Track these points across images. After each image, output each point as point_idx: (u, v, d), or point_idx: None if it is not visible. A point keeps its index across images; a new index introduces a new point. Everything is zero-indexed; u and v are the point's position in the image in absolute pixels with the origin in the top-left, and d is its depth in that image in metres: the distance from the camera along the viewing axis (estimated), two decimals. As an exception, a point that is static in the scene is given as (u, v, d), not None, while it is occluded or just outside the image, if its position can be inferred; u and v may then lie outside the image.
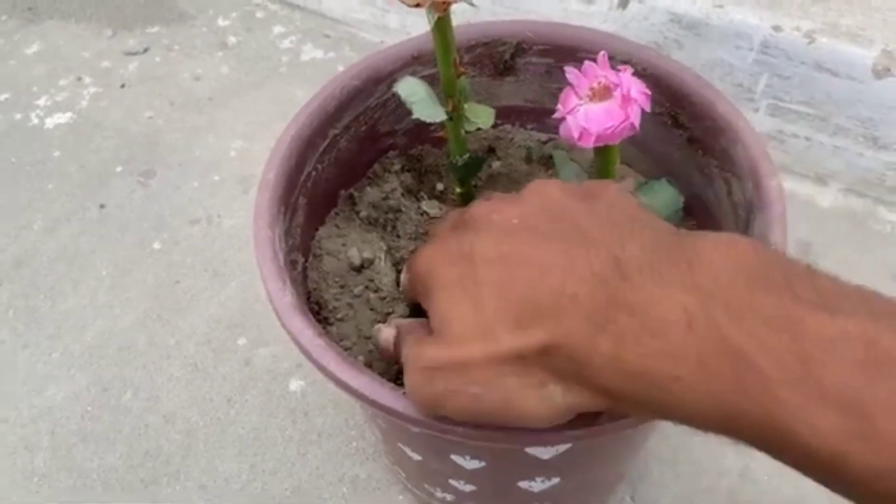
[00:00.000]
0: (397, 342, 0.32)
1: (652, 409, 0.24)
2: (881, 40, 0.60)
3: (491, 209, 0.30)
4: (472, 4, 0.34)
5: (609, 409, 0.27)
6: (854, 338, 0.20)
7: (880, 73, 0.60)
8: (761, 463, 0.55)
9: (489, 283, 0.27)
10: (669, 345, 0.23)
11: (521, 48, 0.46)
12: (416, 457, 0.41)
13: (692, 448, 0.56)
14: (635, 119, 0.32)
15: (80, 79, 0.85)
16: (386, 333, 0.33)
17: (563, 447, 0.35)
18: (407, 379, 0.29)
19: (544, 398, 0.26)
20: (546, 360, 0.25)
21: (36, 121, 0.81)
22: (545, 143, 0.49)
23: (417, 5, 0.33)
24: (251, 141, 0.78)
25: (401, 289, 0.39)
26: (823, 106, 0.64)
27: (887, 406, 0.19)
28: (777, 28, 0.62)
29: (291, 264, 0.39)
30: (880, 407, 0.19)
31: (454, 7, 0.34)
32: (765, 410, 0.21)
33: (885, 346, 0.20)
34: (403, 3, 0.33)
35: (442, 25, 0.35)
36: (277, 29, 0.89)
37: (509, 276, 0.27)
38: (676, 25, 0.66)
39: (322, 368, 0.32)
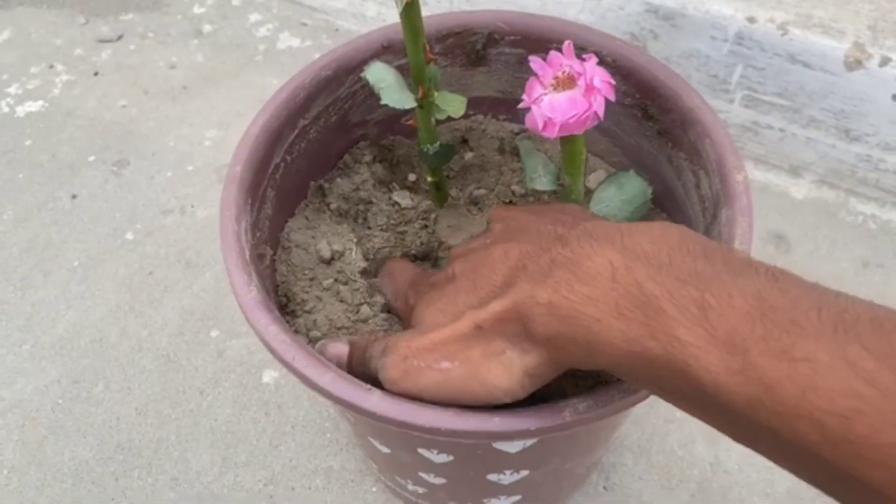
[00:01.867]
0: (356, 356, 0.34)
1: (581, 354, 0.27)
2: (853, 32, 0.60)
3: (467, 245, 0.36)
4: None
5: (553, 363, 0.29)
6: (748, 294, 0.24)
7: (852, 65, 0.60)
8: (732, 453, 0.56)
9: (462, 282, 0.33)
10: (595, 291, 0.26)
11: (492, 38, 0.45)
12: (385, 450, 0.41)
13: (665, 437, 0.57)
14: (599, 108, 0.32)
15: (52, 66, 0.84)
16: (337, 350, 0.35)
17: (529, 441, 0.35)
18: (385, 369, 0.32)
19: (504, 364, 0.29)
20: (502, 327, 0.29)
21: (6, 109, 0.80)
22: (517, 133, 0.49)
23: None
24: (226, 130, 0.77)
25: (389, 298, 0.41)
26: (797, 97, 0.64)
27: (762, 346, 0.22)
28: (751, 19, 0.62)
29: (259, 258, 0.38)
30: (756, 347, 0.22)
31: None
32: (666, 350, 0.24)
33: (772, 301, 0.23)
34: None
35: (410, 11, 0.35)
36: (254, 17, 0.88)
37: (477, 271, 0.32)
38: (653, 16, 0.66)
39: (286, 364, 0.32)
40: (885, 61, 0.60)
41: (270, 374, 0.61)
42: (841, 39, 0.60)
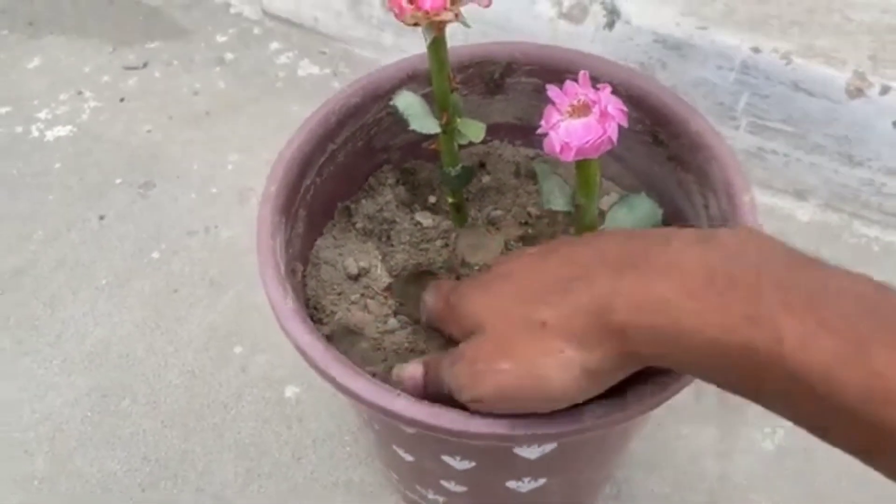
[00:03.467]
0: (431, 374, 0.34)
1: (658, 349, 0.27)
2: (854, 62, 0.63)
3: (512, 254, 0.38)
4: (466, 25, 0.36)
5: (620, 361, 0.29)
6: (850, 289, 0.24)
7: (853, 93, 0.62)
8: (740, 467, 0.57)
9: (522, 280, 0.32)
10: (689, 283, 0.26)
11: (510, 68, 0.48)
12: (409, 458, 0.43)
13: (674, 452, 0.58)
14: (613, 133, 0.35)
15: (80, 93, 0.87)
16: (412, 371, 0.35)
17: (548, 447, 0.37)
18: (455, 378, 0.32)
19: (561, 362, 0.29)
20: (568, 323, 0.29)
21: (37, 133, 0.83)
22: (532, 158, 0.52)
23: (415, 24, 0.35)
24: (248, 154, 0.80)
25: (425, 317, 0.41)
26: (801, 124, 0.67)
27: (879, 337, 0.22)
28: (756, 49, 0.65)
29: (292, 273, 0.41)
30: (873, 337, 0.22)
31: (449, 27, 0.36)
32: (769, 337, 0.24)
33: (875, 297, 0.24)
34: (403, 22, 0.35)
35: (437, 44, 0.37)
36: (274, 45, 0.91)
37: (541, 269, 0.32)
38: (661, 46, 0.68)
39: (321, 371, 0.34)
40: (885, 90, 0.62)
41: (292, 389, 0.63)
42: (842, 69, 0.63)
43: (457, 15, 0.34)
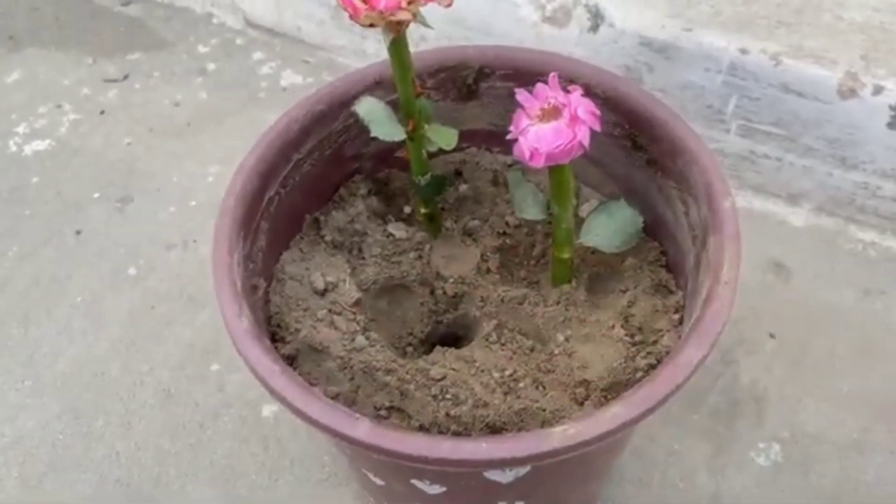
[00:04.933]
0: None
1: None
2: (845, 62, 0.61)
3: None
4: (427, 26, 0.34)
5: None
6: None
7: (845, 94, 0.60)
8: (734, 485, 0.55)
9: None
10: None
11: (483, 73, 0.46)
12: (379, 482, 0.41)
13: (666, 469, 0.56)
14: (584, 138, 0.33)
15: (59, 106, 0.85)
16: None
17: (522, 471, 0.35)
18: None
19: None
20: None
21: (14, 148, 0.81)
22: (510, 165, 0.50)
23: (371, 25, 0.33)
24: (229, 166, 0.77)
25: None
26: (792, 127, 0.65)
27: None
28: (744, 51, 0.63)
29: (252, 289, 0.39)
30: None
31: (428, 34, 0.34)
32: None
33: None
34: (358, 24, 0.34)
35: (397, 46, 0.36)
36: (257, 55, 0.89)
37: None
38: (647, 49, 0.66)
39: (274, 393, 0.32)
40: (878, 90, 0.60)
41: (270, 409, 0.60)
42: (833, 69, 0.61)
43: (414, 15, 0.32)
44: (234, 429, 0.60)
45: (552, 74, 0.35)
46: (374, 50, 0.84)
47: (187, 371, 0.63)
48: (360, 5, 0.32)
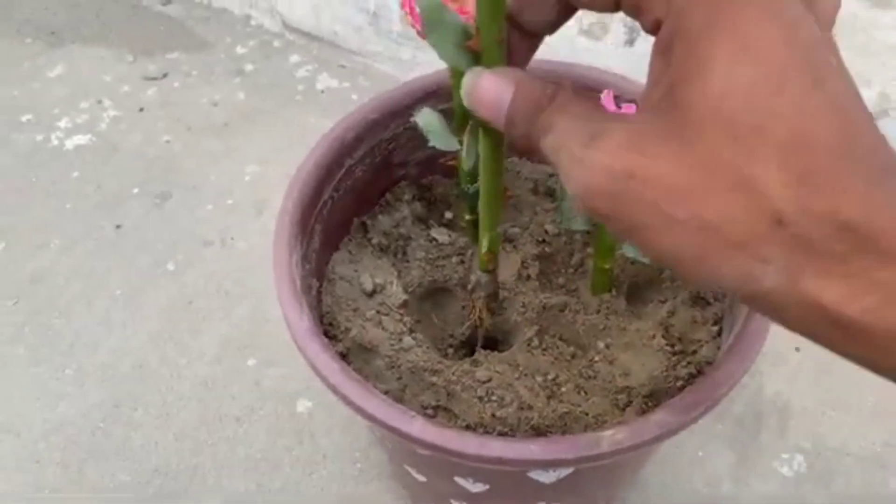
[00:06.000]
0: (523, 108, 0.23)
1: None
2: (879, 83, 0.62)
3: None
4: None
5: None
6: None
7: (878, 114, 0.62)
8: (755, 493, 0.56)
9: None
10: None
11: (530, 85, 0.48)
12: (421, 478, 0.43)
13: (690, 477, 0.57)
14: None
15: (100, 102, 0.87)
16: (495, 86, 0.24)
17: (564, 472, 0.36)
18: (576, 165, 0.21)
19: (748, 275, 0.19)
20: (823, 246, 0.19)
21: (56, 142, 0.83)
22: (551, 175, 0.51)
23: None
24: (265, 166, 0.80)
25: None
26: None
27: None
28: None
29: (307, 289, 0.40)
30: None
31: None
32: None
33: None
34: (424, 39, 0.35)
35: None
36: (294, 58, 0.91)
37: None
38: (681, 64, 0.68)
39: (336, 391, 0.34)
40: (910, 111, 0.62)
41: (304, 404, 0.62)
42: (868, 89, 0.62)
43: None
44: (269, 423, 0.61)
45: (607, 91, 0.37)
46: (409, 56, 0.85)
47: (224, 365, 0.65)
48: (429, 23, 0.33)
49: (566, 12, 0.25)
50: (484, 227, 0.35)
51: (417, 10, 0.34)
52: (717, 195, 0.19)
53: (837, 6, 0.22)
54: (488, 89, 0.24)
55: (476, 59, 0.27)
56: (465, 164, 0.41)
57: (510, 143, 0.25)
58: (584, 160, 0.20)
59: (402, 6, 0.34)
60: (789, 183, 0.18)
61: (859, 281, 0.19)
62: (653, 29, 0.21)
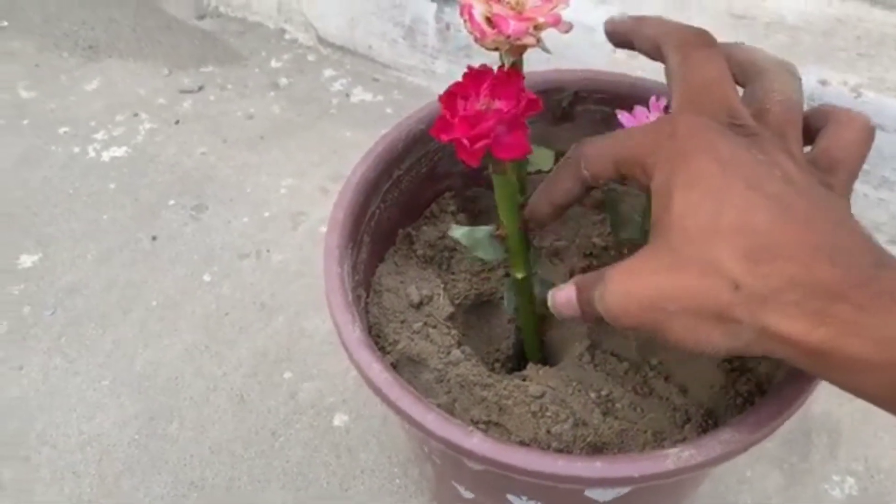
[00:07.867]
0: (584, 292, 0.31)
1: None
2: None
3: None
4: (547, 51, 0.35)
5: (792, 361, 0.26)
6: None
7: None
8: (809, 515, 0.55)
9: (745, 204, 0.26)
10: None
11: (579, 96, 0.47)
12: (469, 495, 0.42)
13: (738, 495, 0.56)
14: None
15: (136, 115, 0.88)
16: (567, 293, 0.32)
17: (623, 490, 0.35)
18: (614, 294, 0.29)
19: (733, 335, 0.26)
20: (776, 297, 0.25)
21: (93, 154, 0.84)
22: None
23: (496, 49, 0.34)
24: (301, 179, 0.80)
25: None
26: (869, 158, 0.64)
27: None
28: (824, 82, 0.63)
29: (357, 299, 0.40)
30: None
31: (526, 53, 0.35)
32: None
33: None
34: (483, 47, 0.34)
35: (515, 69, 0.36)
36: (328, 72, 0.92)
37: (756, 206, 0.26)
38: (723, 77, 0.67)
39: (389, 403, 0.33)
40: (960, 125, 0.60)
41: (341, 418, 0.61)
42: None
43: (538, 40, 0.33)
44: (306, 437, 0.61)
45: (653, 98, 0.36)
46: (443, 70, 0.85)
47: (260, 378, 0.64)
48: (489, 30, 0.33)
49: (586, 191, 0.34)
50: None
51: (476, 18, 0.33)
52: (691, 282, 0.26)
53: (789, 117, 0.32)
54: (561, 297, 0.32)
55: (504, 246, 0.38)
56: (507, 309, 0.42)
57: None
58: (605, 296, 0.29)
59: (461, 13, 0.33)
60: (739, 258, 0.25)
61: (817, 316, 0.24)
62: (644, 191, 0.30)
